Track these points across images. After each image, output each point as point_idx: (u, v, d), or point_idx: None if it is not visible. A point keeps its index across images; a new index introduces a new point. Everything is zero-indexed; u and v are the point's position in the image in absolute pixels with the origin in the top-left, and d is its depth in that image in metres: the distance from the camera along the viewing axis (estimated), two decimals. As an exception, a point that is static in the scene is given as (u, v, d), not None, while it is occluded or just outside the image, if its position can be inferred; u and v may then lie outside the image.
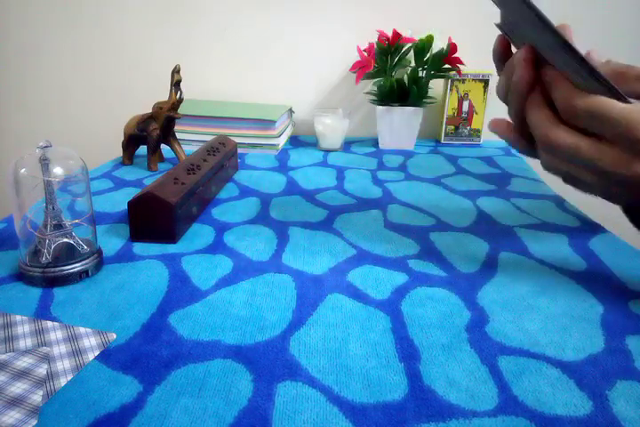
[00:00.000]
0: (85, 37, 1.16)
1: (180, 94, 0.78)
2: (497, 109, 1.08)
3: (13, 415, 0.30)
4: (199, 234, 0.57)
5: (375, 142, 1.06)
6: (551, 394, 0.33)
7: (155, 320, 0.40)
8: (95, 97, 1.21)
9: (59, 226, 0.46)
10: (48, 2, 1.13)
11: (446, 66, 0.98)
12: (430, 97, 1.00)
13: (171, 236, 0.54)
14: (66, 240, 0.46)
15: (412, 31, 0.98)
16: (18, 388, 0.32)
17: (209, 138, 0.96)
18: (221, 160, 0.72)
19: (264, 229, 0.59)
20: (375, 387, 0.33)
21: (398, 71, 1.02)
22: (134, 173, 0.81)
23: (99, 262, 0.48)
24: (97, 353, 0.36)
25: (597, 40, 1.04)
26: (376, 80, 1.00)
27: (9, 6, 1.14)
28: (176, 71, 0.76)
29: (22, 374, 0.33)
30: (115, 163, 0.87)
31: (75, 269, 0.45)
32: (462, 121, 1.07)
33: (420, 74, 0.99)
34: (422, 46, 0.96)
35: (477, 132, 1.07)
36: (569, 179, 0.42)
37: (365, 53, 0.99)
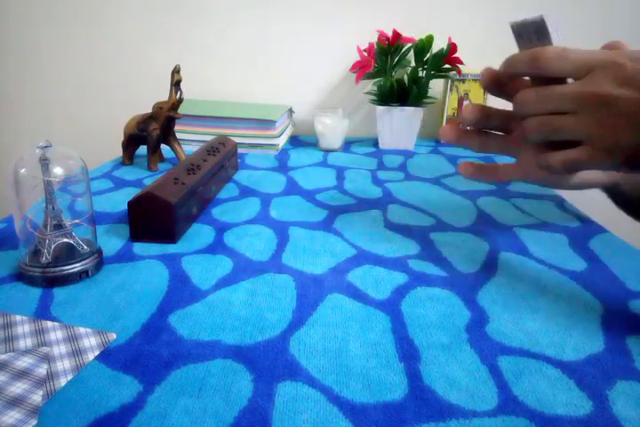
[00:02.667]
0: (85, 37, 1.16)
1: (180, 94, 0.78)
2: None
3: (13, 415, 0.30)
4: (199, 234, 0.57)
5: (375, 142, 1.06)
6: (551, 394, 0.33)
7: (155, 320, 0.40)
8: (95, 97, 1.21)
9: (59, 226, 0.46)
10: (48, 2, 1.13)
11: (446, 66, 0.98)
12: (430, 97, 1.00)
13: (171, 236, 0.54)
14: (66, 240, 0.46)
15: (415, 33, 0.98)
16: (18, 388, 0.32)
17: (209, 138, 0.96)
18: (221, 160, 0.72)
19: (264, 228, 0.59)
20: (375, 387, 0.33)
21: (398, 71, 1.02)
22: (134, 173, 0.81)
23: (99, 262, 0.48)
24: (97, 353, 0.36)
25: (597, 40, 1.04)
26: (376, 80, 1.00)
27: (9, 7, 1.14)
28: (176, 71, 0.76)
29: (22, 375, 0.33)
30: (115, 163, 0.87)
31: (75, 269, 0.45)
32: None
33: (420, 74, 0.99)
34: (422, 46, 0.96)
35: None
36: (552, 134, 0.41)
37: (365, 53, 0.99)
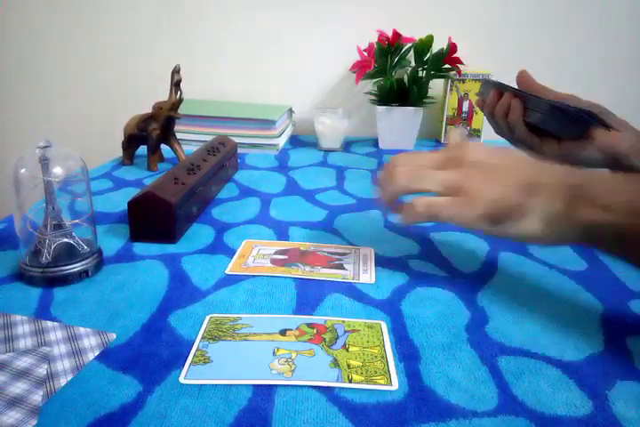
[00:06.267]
0: (86, 37, 1.16)
1: (180, 94, 0.78)
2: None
3: (13, 415, 0.30)
4: (199, 234, 0.57)
5: (375, 142, 1.06)
6: (551, 394, 0.33)
7: (155, 320, 0.40)
8: (95, 97, 1.21)
9: (59, 226, 0.46)
10: (49, 2, 1.13)
11: (446, 66, 0.98)
12: (430, 97, 1.00)
13: (171, 236, 0.54)
14: (66, 240, 0.46)
15: (415, 33, 0.98)
16: (18, 388, 0.32)
17: (209, 138, 0.96)
18: (221, 160, 0.72)
19: (264, 229, 0.59)
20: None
21: (398, 71, 1.02)
22: (134, 173, 0.81)
23: (99, 262, 0.48)
24: (97, 353, 0.36)
25: (597, 39, 1.04)
26: (376, 80, 1.00)
27: (10, 7, 1.14)
28: (176, 71, 0.76)
29: (22, 375, 0.33)
30: (115, 163, 0.87)
31: (75, 269, 0.45)
32: (462, 121, 1.07)
33: (420, 74, 0.99)
34: (422, 46, 0.96)
35: (477, 132, 1.07)
36: None
37: (365, 53, 0.99)
